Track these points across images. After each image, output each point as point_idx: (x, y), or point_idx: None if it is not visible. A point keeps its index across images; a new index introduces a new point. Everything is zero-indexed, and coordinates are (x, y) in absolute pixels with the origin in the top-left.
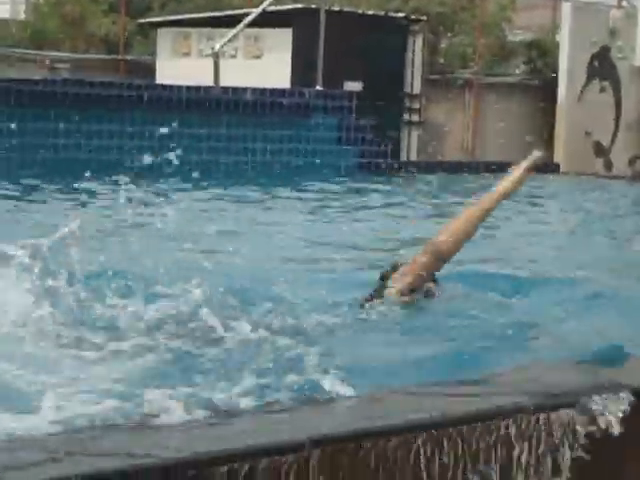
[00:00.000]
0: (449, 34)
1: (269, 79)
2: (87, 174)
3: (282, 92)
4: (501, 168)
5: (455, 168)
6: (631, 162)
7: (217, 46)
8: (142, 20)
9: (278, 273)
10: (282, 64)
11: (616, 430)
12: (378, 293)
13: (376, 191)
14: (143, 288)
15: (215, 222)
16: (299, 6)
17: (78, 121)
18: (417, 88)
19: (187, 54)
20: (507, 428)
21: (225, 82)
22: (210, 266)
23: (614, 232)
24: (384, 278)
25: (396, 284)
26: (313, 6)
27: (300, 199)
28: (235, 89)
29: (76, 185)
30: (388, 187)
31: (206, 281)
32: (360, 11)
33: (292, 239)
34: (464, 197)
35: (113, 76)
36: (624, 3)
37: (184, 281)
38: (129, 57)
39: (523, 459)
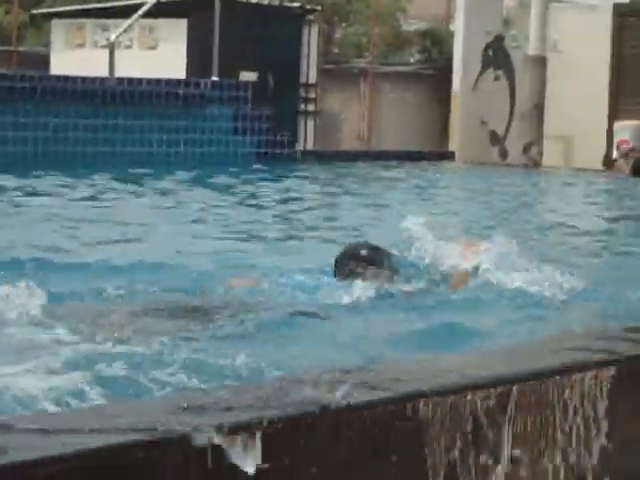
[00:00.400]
0: (344, 24)
1: (165, 70)
2: None
3: (178, 83)
4: (397, 156)
5: (351, 157)
6: (525, 150)
7: (112, 37)
8: (35, 11)
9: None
10: (177, 55)
11: None
12: None
13: (271, 180)
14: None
15: (103, 212)
16: None
17: None
18: (313, 78)
19: (81, 45)
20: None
21: (120, 73)
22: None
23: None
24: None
25: None
26: None
27: (191, 189)
28: (130, 80)
29: None
30: (284, 176)
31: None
32: (255, 1)
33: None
34: (358, 185)
35: (5, 68)
36: None
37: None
38: (22, 48)
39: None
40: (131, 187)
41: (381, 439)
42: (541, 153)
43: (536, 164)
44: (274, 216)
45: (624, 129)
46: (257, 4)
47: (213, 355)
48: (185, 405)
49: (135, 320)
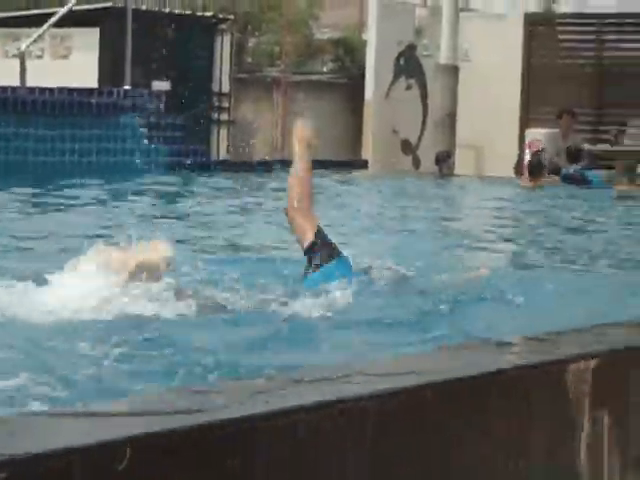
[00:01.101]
0: (257, 33)
1: (77, 79)
2: None
3: (90, 92)
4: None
5: (265, 166)
6: (437, 158)
7: (23, 46)
8: None
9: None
10: (90, 64)
11: None
12: None
13: (184, 190)
14: None
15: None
16: (106, 5)
17: None
18: (226, 87)
19: None
20: None
21: (32, 83)
22: None
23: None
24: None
25: None
26: (120, 5)
27: (102, 199)
28: (42, 89)
29: None
30: (196, 186)
31: None
32: (168, 10)
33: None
34: (271, 194)
35: None
36: (429, 2)
37: None
38: None
39: None
40: (37, 197)
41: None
42: (453, 162)
43: (448, 173)
44: (178, 220)
45: (535, 137)
46: (169, 13)
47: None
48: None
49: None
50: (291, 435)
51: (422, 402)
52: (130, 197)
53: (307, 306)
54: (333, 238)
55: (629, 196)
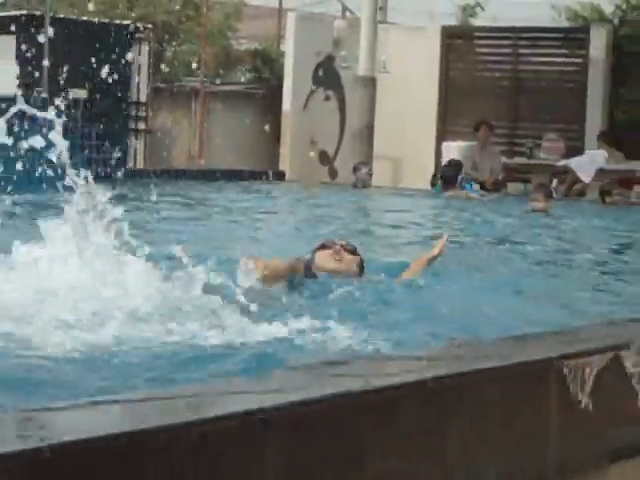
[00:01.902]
0: (175, 42)
1: None
2: None
3: (6, 100)
4: (227, 176)
5: (182, 176)
6: (355, 170)
7: None
8: None
9: None
10: (6, 71)
11: None
12: None
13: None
14: None
15: None
16: (22, 12)
17: None
18: (143, 96)
19: None
20: None
21: None
22: None
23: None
24: None
25: None
26: (37, 13)
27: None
28: None
29: None
30: (111, 195)
31: None
32: (86, 18)
33: None
34: (190, 203)
35: None
36: (348, 14)
37: None
38: None
39: None
40: None
41: None
42: (370, 173)
43: (365, 184)
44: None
45: (452, 149)
46: (88, 21)
47: None
48: None
49: None
50: (212, 444)
51: (337, 411)
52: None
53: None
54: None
55: (543, 212)
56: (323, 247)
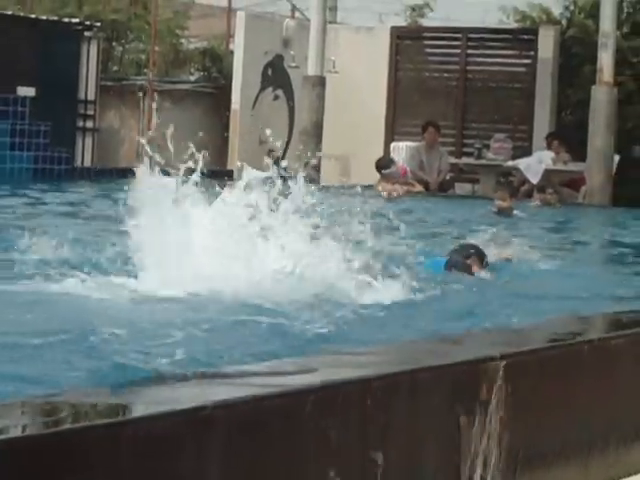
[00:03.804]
0: (123, 41)
1: None
2: None
3: None
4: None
5: (130, 174)
6: (303, 169)
7: None
8: None
9: None
10: None
11: None
12: None
13: (45, 197)
14: None
15: None
16: None
17: None
18: (92, 94)
19: None
20: None
21: None
22: None
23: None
24: None
25: None
26: None
27: None
28: None
29: None
30: (59, 193)
31: None
32: (34, 16)
33: None
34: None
35: None
36: (297, 14)
37: None
38: None
39: None
40: None
41: None
42: (319, 172)
43: (313, 183)
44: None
45: (400, 149)
46: (35, 19)
47: None
48: None
49: None
50: (150, 441)
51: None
52: None
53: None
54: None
55: (507, 211)
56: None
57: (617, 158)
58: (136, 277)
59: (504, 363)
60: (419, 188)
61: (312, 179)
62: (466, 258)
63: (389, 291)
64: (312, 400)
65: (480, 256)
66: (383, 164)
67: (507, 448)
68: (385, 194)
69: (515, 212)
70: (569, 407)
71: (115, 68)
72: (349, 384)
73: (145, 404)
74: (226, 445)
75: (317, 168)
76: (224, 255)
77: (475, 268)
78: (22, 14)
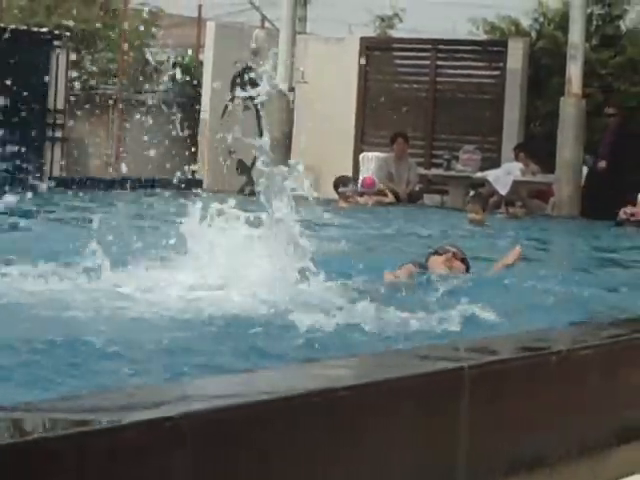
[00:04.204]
0: (93, 50)
1: None
2: None
3: None
4: (143, 184)
5: (98, 184)
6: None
7: None
8: None
9: None
10: None
11: None
12: None
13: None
14: None
15: None
16: None
17: None
18: (61, 104)
19: None
20: None
21: None
22: None
23: None
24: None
25: None
26: None
27: None
28: None
29: None
30: (26, 204)
31: None
32: (2, 25)
33: None
34: (102, 212)
35: None
36: (267, 24)
37: None
38: None
39: None
40: None
41: None
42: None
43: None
44: None
45: (369, 160)
46: (4, 28)
47: None
48: None
49: None
50: (116, 451)
51: (235, 421)
52: None
53: None
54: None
55: (480, 223)
56: (437, 253)
57: (585, 170)
58: None
59: (471, 373)
60: (390, 198)
61: None
62: (440, 254)
63: (357, 304)
64: (279, 410)
65: (460, 254)
66: (339, 182)
67: (474, 457)
68: (344, 204)
69: (487, 224)
70: (535, 416)
71: (84, 78)
72: (317, 395)
73: (111, 414)
74: (193, 455)
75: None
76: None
77: (455, 263)
78: None
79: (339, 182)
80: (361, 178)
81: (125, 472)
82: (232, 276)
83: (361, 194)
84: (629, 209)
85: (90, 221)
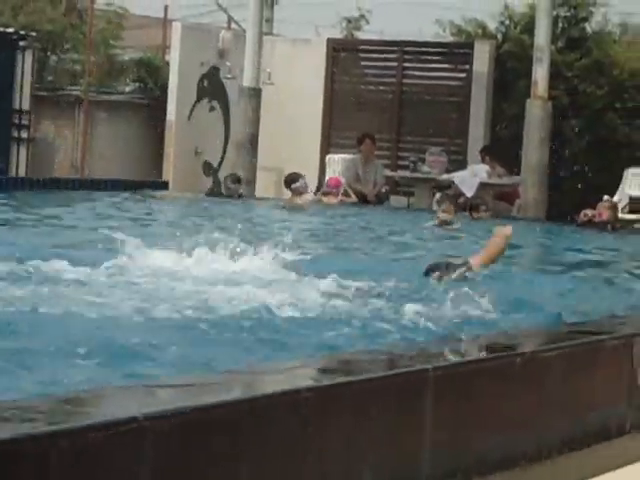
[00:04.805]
0: (59, 51)
1: None
2: None
3: None
4: (109, 185)
5: (64, 185)
6: (238, 181)
7: None
8: None
9: None
10: None
11: None
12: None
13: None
14: None
15: None
16: None
17: None
18: (26, 104)
19: None
20: None
21: None
22: None
23: None
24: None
25: None
26: None
27: None
28: None
29: None
30: None
31: None
32: None
33: None
34: (66, 214)
35: None
36: (233, 25)
37: None
38: None
39: None
40: None
41: None
42: (250, 184)
43: (246, 195)
44: None
45: (336, 162)
46: None
47: None
48: None
49: None
50: (81, 453)
51: (200, 422)
52: None
53: None
54: None
55: (449, 224)
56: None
57: None
58: None
59: (436, 375)
60: (353, 199)
61: (244, 193)
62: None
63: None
64: (243, 411)
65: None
66: (291, 179)
67: (439, 458)
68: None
69: (455, 225)
70: (500, 417)
71: (50, 78)
72: (281, 396)
73: (76, 416)
74: (157, 456)
75: (252, 182)
76: None
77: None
78: None
79: (290, 179)
80: (327, 179)
81: (89, 473)
82: None
83: (325, 194)
84: (589, 211)
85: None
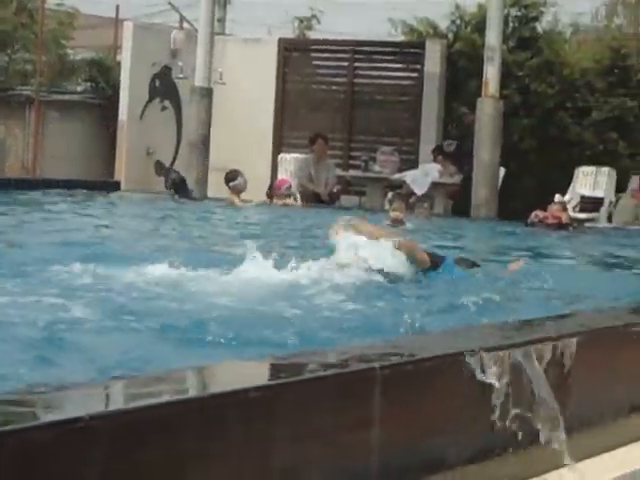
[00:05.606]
0: (9, 51)
1: None
2: None
3: None
4: (59, 185)
5: (14, 185)
6: (178, 180)
7: None
8: None
9: None
10: None
11: None
12: None
13: None
14: None
15: None
16: None
17: None
18: None
19: None
20: None
21: None
22: None
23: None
24: None
25: None
26: None
27: None
28: None
29: None
30: None
31: None
32: None
33: None
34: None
35: None
36: (185, 24)
37: None
38: None
39: None
40: None
41: None
42: (205, 184)
43: (200, 195)
44: None
45: (287, 162)
46: None
47: None
48: None
49: None
50: (27, 453)
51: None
52: None
53: None
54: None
55: (401, 223)
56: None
57: (503, 171)
58: None
59: (383, 373)
60: (298, 204)
61: (199, 193)
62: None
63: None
64: (191, 410)
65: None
66: (230, 177)
67: (387, 457)
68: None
69: (407, 225)
70: (448, 417)
71: (1, 78)
72: (229, 395)
73: (22, 415)
74: (105, 457)
75: (204, 182)
76: None
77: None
78: None
79: (229, 177)
80: (278, 179)
81: (36, 473)
82: None
83: (277, 196)
84: (540, 212)
85: None
